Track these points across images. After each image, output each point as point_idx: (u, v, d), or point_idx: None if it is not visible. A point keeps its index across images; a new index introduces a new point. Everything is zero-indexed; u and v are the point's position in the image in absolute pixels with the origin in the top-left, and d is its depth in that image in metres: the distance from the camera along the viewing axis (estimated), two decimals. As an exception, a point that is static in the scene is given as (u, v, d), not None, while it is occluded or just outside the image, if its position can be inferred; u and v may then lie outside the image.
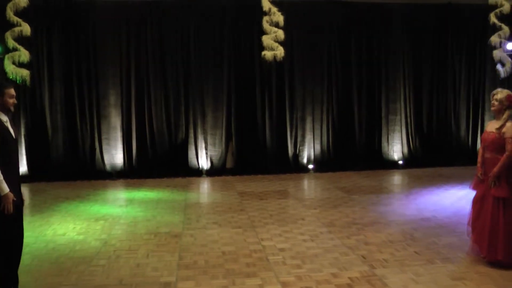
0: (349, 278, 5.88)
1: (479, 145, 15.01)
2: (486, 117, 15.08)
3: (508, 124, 6.15)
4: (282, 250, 7.01)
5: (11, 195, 5.03)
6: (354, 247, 7.09)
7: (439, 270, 6.08)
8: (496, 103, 6.29)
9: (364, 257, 6.61)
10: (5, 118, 5.21)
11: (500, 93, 6.33)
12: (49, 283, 5.88)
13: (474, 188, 6.61)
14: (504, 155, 6.07)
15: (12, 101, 5.25)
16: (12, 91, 5.25)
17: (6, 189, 5.00)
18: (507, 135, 6.07)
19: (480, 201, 6.42)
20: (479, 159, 6.52)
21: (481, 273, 5.97)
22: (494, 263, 6.14)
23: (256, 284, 5.75)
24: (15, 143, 5.31)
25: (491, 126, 6.41)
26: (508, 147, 6.05)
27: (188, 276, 6.04)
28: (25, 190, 11.71)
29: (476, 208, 6.47)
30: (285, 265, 6.36)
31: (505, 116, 6.25)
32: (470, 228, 6.58)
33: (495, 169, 6.11)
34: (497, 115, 6.35)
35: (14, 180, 5.21)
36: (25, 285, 5.72)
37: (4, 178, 5.01)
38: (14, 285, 5.33)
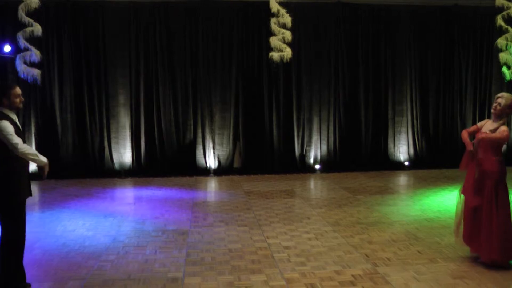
0: (352, 275, 6.00)
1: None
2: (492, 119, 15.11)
3: (502, 127, 6.22)
4: (287, 247, 7.14)
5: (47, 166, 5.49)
6: (358, 245, 7.21)
7: (440, 269, 6.19)
8: (498, 107, 6.33)
9: (367, 256, 6.73)
10: (14, 116, 5.42)
11: (505, 99, 6.34)
12: (59, 277, 6.02)
13: (464, 168, 6.59)
14: (499, 134, 6.17)
15: (19, 100, 5.43)
16: (17, 91, 5.40)
17: (44, 158, 5.42)
18: (502, 133, 6.18)
19: (474, 211, 6.40)
20: (467, 138, 6.54)
21: (482, 272, 6.06)
22: (490, 264, 6.23)
23: (261, 280, 5.88)
24: (23, 139, 5.45)
25: (486, 126, 6.44)
26: (501, 133, 6.17)
27: (195, 272, 6.17)
28: (35, 187, 11.95)
29: (470, 218, 6.45)
30: (289, 262, 6.49)
31: (502, 121, 6.31)
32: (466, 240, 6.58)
33: (487, 136, 6.22)
34: (495, 118, 6.40)
35: (24, 174, 5.48)
36: (36, 279, 5.87)
37: (16, 171, 5.34)
38: (21, 278, 5.48)
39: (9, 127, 5.16)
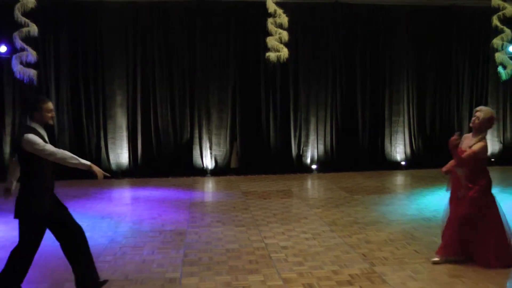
0: (350, 275, 6.01)
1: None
2: (489, 119, 15.16)
3: (479, 143, 6.14)
4: (284, 248, 7.15)
5: (96, 167, 5.30)
6: (355, 245, 7.23)
7: (437, 268, 6.21)
8: (477, 120, 6.24)
9: (364, 255, 6.74)
10: (43, 132, 5.29)
11: (484, 113, 6.24)
12: (56, 278, 6.02)
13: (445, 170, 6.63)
14: (471, 151, 6.10)
15: (50, 115, 5.31)
16: (49, 106, 5.29)
17: (87, 161, 5.24)
18: (472, 149, 6.12)
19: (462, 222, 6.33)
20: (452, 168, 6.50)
21: (479, 271, 6.08)
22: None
23: (258, 280, 5.89)
24: None
25: (466, 143, 6.36)
26: (473, 148, 6.12)
27: (193, 272, 6.18)
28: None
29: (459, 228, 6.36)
30: (287, 262, 6.50)
31: (481, 136, 6.22)
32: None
33: (460, 156, 6.14)
34: (475, 132, 6.31)
35: (48, 188, 5.38)
36: (33, 281, 5.86)
37: (39, 186, 5.24)
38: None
39: (37, 139, 5.05)
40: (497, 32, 11.32)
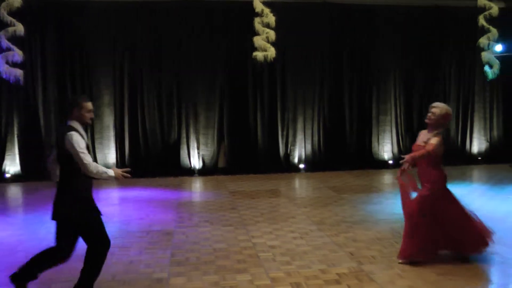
0: (337, 274, 6.02)
1: (468, 146, 15.30)
2: (476, 118, 15.33)
3: (434, 139, 6.16)
4: (272, 247, 7.15)
5: (116, 169, 5.27)
6: (343, 244, 7.24)
7: (425, 266, 6.22)
8: (432, 116, 6.26)
9: (352, 254, 6.76)
10: (83, 132, 5.22)
11: (439, 109, 6.28)
12: (42, 280, 5.92)
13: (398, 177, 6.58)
14: (425, 150, 6.11)
15: (89, 115, 5.24)
16: (89, 105, 5.22)
17: (109, 171, 5.18)
18: (426, 148, 6.14)
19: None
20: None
21: (466, 268, 6.13)
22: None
23: (246, 279, 5.88)
24: (92, 156, 5.31)
25: (421, 138, 6.41)
26: (427, 147, 6.13)
27: (180, 272, 6.16)
28: (18, 189, 11.85)
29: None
30: (274, 262, 6.50)
31: (436, 132, 6.24)
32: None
33: (413, 155, 6.19)
34: (430, 128, 6.34)
35: (91, 189, 5.36)
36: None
37: (85, 187, 5.26)
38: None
39: (82, 142, 5.00)
40: (484, 31, 11.40)
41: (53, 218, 5.21)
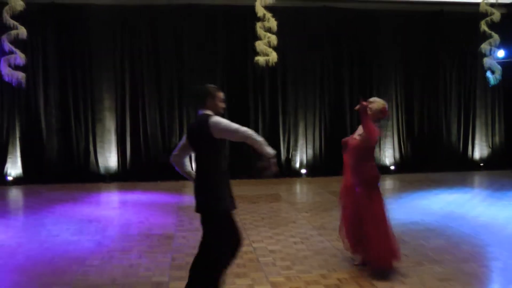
0: (338, 279, 6.00)
1: (469, 152, 15.29)
2: (477, 123, 15.32)
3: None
4: (272, 251, 7.13)
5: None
6: (344, 249, 7.20)
7: (426, 271, 6.20)
8: (369, 111, 6.20)
9: (353, 259, 6.73)
10: None
11: (376, 103, 6.28)
12: (43, 283, 5.96)
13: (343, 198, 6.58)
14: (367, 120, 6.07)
15: (221, 105, 5.10)
16: (222, 95, 5.09)
17: (272, 150, 4.89)
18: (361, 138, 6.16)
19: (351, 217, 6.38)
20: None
21: (468, 274, 6.09)
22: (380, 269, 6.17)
23: (246, 284, 5.86)
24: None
25: (357, 132, 6.39)
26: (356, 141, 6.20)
27: (180, 276, 6.12)
28: (19, 192, 11.86)
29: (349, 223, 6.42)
30: (275, 266, 6.48)
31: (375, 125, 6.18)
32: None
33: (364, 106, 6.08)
34: None
35: (229, 183, 5.23)
36: (19, 285, 5.83)
37: (223, 180, 5.13)
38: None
39: (226, 120, 4.85)
40: (485, 37, 11.41)
41: (197, 211, 5.19)
